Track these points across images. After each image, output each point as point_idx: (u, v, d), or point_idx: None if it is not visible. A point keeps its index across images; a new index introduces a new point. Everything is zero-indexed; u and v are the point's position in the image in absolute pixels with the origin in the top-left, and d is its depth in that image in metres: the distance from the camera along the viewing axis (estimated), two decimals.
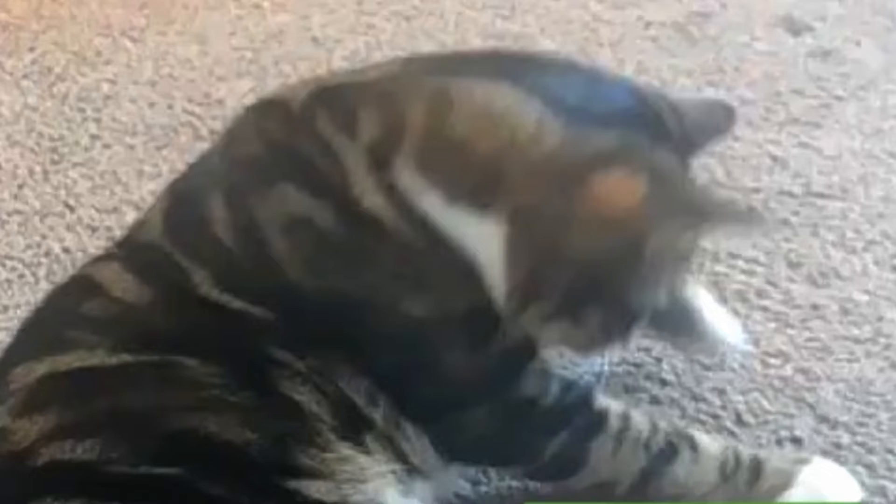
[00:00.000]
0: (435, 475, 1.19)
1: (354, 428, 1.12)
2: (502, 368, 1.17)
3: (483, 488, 1.30)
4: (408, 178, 1.10)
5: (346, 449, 1.10)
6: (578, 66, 1.29)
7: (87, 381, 1.08)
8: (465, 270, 1.12)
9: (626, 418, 1.23)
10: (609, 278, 1.12)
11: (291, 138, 1.14)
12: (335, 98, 1.15)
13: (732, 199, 1.24)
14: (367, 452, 1.12)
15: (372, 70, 1.21)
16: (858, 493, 1.26)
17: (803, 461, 1.25)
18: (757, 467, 1.24)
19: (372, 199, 1.10)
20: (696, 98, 1.25)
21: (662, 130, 1.15)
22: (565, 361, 1.19)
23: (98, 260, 1.24)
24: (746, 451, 1.25)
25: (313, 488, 1.06)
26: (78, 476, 1.02)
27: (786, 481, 1.23)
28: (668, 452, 1.22)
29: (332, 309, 1.11)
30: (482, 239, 1.11)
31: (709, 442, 1.25)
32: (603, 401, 1.24)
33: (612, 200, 1.09)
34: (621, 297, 1.14)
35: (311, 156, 1.12)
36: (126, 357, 1.08)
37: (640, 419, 1.23)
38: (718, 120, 1.23)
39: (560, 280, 1.11)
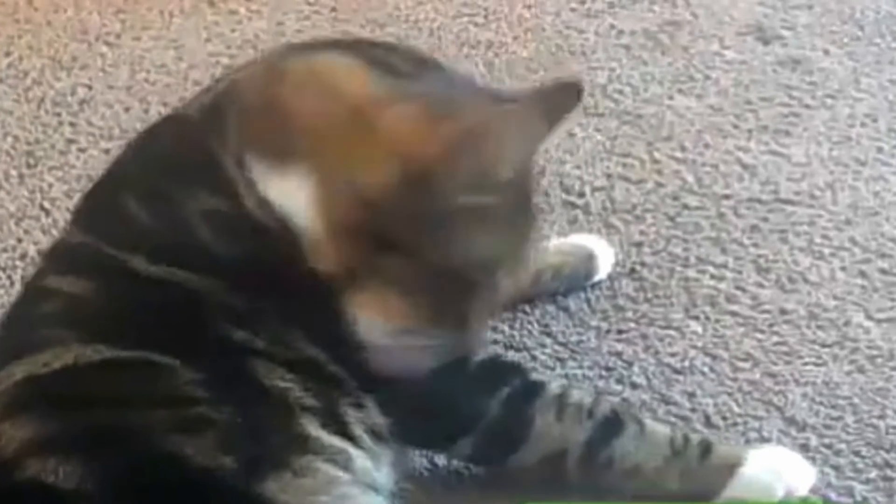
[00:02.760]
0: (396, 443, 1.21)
1: (328, 398, 1.13)
2: None
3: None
4: (254, 169, 1.12)
5: (329, 437, 1.11)
6: (414, 51, 1.31)
7: (69, 384, 1.09)
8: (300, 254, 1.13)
9: (564, 387, 1.27)
10: (403, 221, 1.10)
11: (195, 151, 1.16)
12: (216, 111, 1.17)
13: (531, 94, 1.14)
14: (351, 441, 1.14)
15: (243, 68, 1.25)
16: (812, 474, 1.29)
17: (755, 446, 1.30)
18: (706, 444, 1.27)
19: (247, 202, 1.12)
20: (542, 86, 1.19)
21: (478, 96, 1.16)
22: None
23: (35, 277, 1.24)
24: (695, 434, 1.30)
25: None
26: None
27: (738, 460, 1.26)
28: (614, 422, 1.26)
29: (259, 282, 1.12)
30: (297, 203, 1.12)
31: (654, 422, 1.30)
32: (540, 375, 1.30)
33: (397, 133, 1.09)
34: (413, 246, 1.11)
35: (211, 168, 1.15)
36: (103, 349, 1.09)
37: (578, 391, 1.28)
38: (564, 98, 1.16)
39: (354, 221, 1.11)
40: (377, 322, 1.14)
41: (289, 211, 1.12)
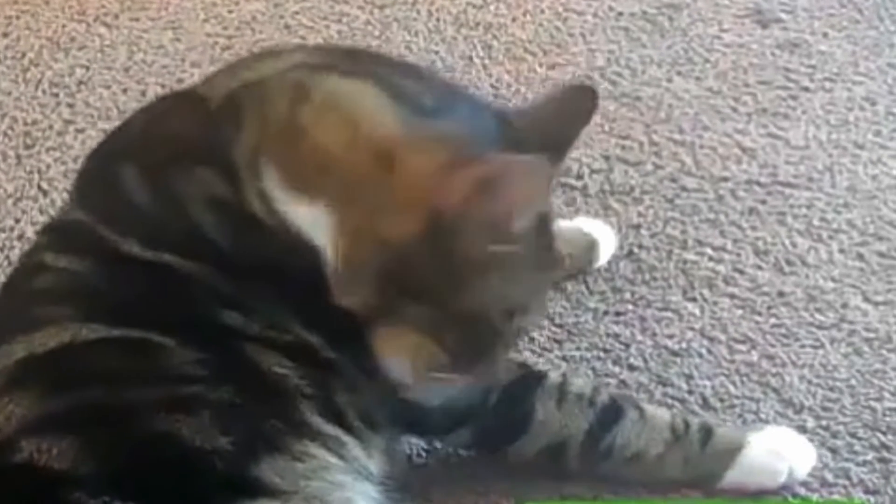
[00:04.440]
0: (391, 429, 1.21)
1: (325, 386, 1.13)
2: None
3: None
4: (268, 179, 1.11)
5: (324, 424, 1.11)
6: (428, 71, 1.32)
7: (68, 363, 1.08)
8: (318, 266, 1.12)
9: (564, 376, 1.27)
10: (427, 270, 1.09)
11: (209, 136, 1.15)
12: (234, 104, 1.16)
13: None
14: (346, 429, 1.13)
15: (269, 62, 1.21)
16: (812, 454, 1.30)
17: (755, 428, 1.30)
18: (707, 428, 1.28)
19: (253, 203, 1.12)
20: (554, 94, 1.22)
21: (500, 133, 1.14)
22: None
23: (31, 252, 1.24)
24: (694, 418, 1.30)
25: None
26: (45, 497, 1.02)
27: (740, 442, 1.27)
28: (614, 410, 1.26)
29: (257, 270, 1.12)
30: (318, 233, 1.11)
31: (654, 407, 1.30)
32: (541, 365, 1.30)
33: (421, 182, 1.07)
34: (434, 294, 1.10)
35: (222, 156, 1.14)
36: (99, 328, 1.09)
37: (579, 380, 1.28)
38: (580, 106, 1.19)
39: (373, 266, 1.10)
40: (398, 359, 1.14)
41: (309, 235, 1.11)
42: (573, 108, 1.18)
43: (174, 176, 1.15)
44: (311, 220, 1.10)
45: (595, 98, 1.18)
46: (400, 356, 1.14)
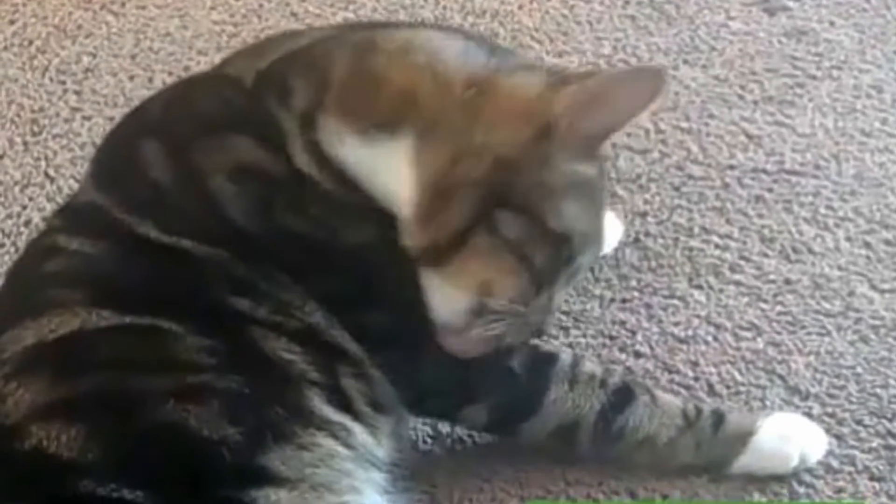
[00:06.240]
0: (398, 411, 1.22)
1: (331, 371, 1.14)
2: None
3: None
4: (328, 130, 1.16)
5: (331, 411, 1.12)
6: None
7: (78, 350, 1.09)
8: (381, 214, 1.16)
9: (576, 358, 1.28)
10: (516, 178, 1.15)
11: (247, 107, 1.19)
12: (275, 76, 1.20)
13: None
14: (353, 416, 1.14)
15: (307, 34, 1.27)
16: (824, 439, 1.30)
17: (766, 413, 1.30)
18: (719, 413, 1.28)
19: (300, 158, 1.16)
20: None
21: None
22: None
23: (43, 234, 1.25)
24: (705, 404, 1.30)
25: (273, 497, 1.06)
26: (53, 484, 1.03)
27: (751, 428, 1.27)
28: (626, 393, 1.26)
29: (276, 243, 1.16)
30: (393, 169, 1.15)
31: (665, 393, 1.30)
32: (552, 346, 1.30)
33: (523, 96, 1.15)
34: (533, 206, 1.16)
35: (263, 122, 1.17)
36: (109, 314, 1.09)
37: (590, 363, 1.29)
38: None
39: (476, 180, 1.15)
40: (457, 297, 1.18)
41: (370, 176, 1.16)
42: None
43: (199, 148, 1.17)
44: (390, 163, 1.15)
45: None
46: (473, 286, 1.17)
